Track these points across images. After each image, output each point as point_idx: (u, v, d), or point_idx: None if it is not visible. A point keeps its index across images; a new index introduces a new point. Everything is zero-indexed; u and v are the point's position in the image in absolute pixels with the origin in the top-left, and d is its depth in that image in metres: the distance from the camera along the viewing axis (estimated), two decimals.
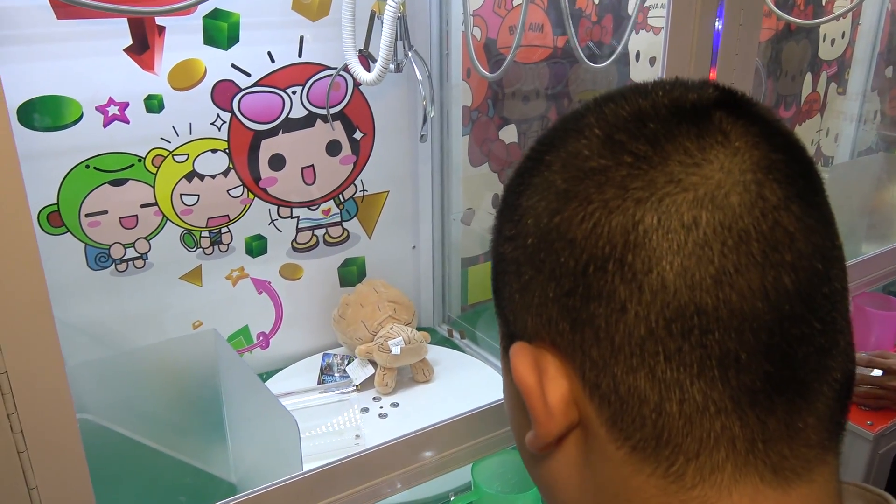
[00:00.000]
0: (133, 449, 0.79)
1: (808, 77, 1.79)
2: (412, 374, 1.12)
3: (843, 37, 1.82)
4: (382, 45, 0.93)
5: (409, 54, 1.02)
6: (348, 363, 1.12)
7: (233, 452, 0.85)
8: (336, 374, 1.13)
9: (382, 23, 0.93)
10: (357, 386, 1.09)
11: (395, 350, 1.06)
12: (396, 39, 0.98)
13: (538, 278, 0.34)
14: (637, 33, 1.34)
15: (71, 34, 0.88)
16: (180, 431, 0.83)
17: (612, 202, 0.32)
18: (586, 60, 1.16)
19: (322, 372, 1.14)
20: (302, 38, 1.04)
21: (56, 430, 0.50)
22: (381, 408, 1.07)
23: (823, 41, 1.79)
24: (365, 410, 1.07)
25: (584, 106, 0.36)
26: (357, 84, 1.11)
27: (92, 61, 0.90)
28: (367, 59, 1.02)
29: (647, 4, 1.31)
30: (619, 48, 1.24)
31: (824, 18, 1.68)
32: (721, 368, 0.31)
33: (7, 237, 0.44)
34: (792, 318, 0.31)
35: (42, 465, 0.50)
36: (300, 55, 1.05)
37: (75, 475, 0.52)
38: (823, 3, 1.73)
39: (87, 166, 0.94)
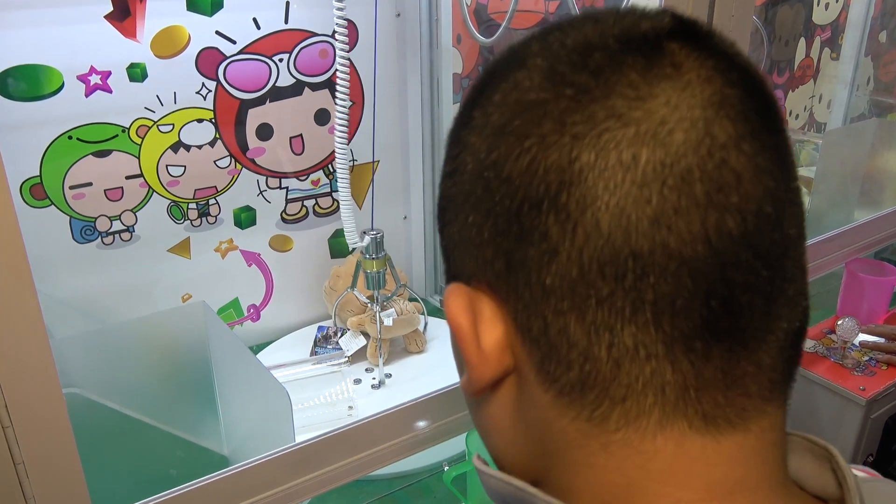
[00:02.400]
0: (122, 423, 0.78)
1: (802, 42, 1.77)
2: (405, 344, 1.12)
3: (836, 1, 1.80)
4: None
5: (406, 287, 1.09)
6: (341, 335, 1.11)
7: (224, 425, 0.84)
8: (329, 346, 1.13)
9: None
10: (349, 357, 1.08)
11: (388, 321, 1.05)
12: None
13: (475, 217, 0.32)
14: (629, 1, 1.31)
15: (51, 2, 0.86)
16: (170, 405, 0.82)
17: (548, 137, 0.29)
18: None
19: (315, 344, 1.13)
20: (288, 4, 1.02)
21: (42, 405, 0.49)
22: (374, 379, 1.06)
23: (818, 5, 1.76)
24: (358, 381, 1.06)
25: (530, 35, 0.34)
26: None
27: (71, 28, 0.88)
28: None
29: None
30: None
31: None
32: (654, 313, 0.29)
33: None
34: (735, 264, 0.29)
35: (28, 440, 0.49)
36: (286, 21, 1.03)
37: (63, 450, 0.51)
38: None
39: (70, 137, 0.92)
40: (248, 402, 0.76)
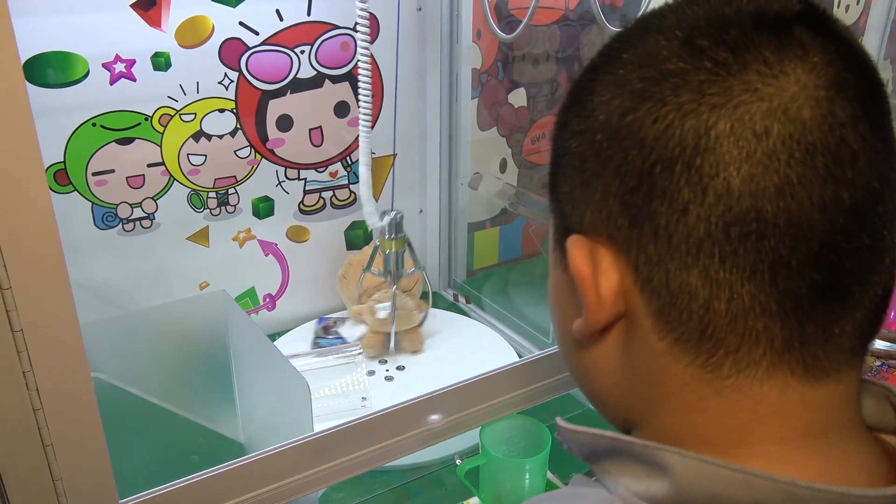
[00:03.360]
0: (142, 407, 0.79)
1: None
2: (398, 340, 1.11)
3: (857, 3, 1.79)
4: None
5: (421, 272, 1.09)
6: (343, 325, 1.13)
7: (241, 413, 0.86)
8: (329, 337, 1.13)
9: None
10: (360, 341, 1.09)
11: (381, 314, 1.05)
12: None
13: (603, 174, 0.35)
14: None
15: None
16: (189, 391, 0.83)
17: (686, 105, 0.32)
18: (608, 25, 1.13)
19: (316, 336, 1.13)
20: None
21: (71, 388, 0.50)
22: (388, 371, 1.07)
23: (838, 7, 1.76)
24: (371, 373, 1.07)
25: (665, 6, 0.36)
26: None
27: (98, 17, 0.89)
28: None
29: None
30: (641, 11, 1.22)
31: None
32: (771, 273, 0.32)
33: (22, 195, 0.44)
34: (844, 232, 0.32)
35: (57, 422, 0.50)
36: (309, 13, 1.03)
37: (90, 433, 0.52)
38: None
39: (94, 124, 0.93)
40: (266, 391, 0.77)
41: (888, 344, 1.07)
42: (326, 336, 1.14)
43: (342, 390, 1.04)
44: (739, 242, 0.32)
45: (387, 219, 1.02)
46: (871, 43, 1.85)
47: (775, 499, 0.32)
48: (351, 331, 1.11)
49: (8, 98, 0.42)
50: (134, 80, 0.94)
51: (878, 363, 1.04)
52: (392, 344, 1.08)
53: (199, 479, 0.60)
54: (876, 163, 0.33)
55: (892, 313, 1.12)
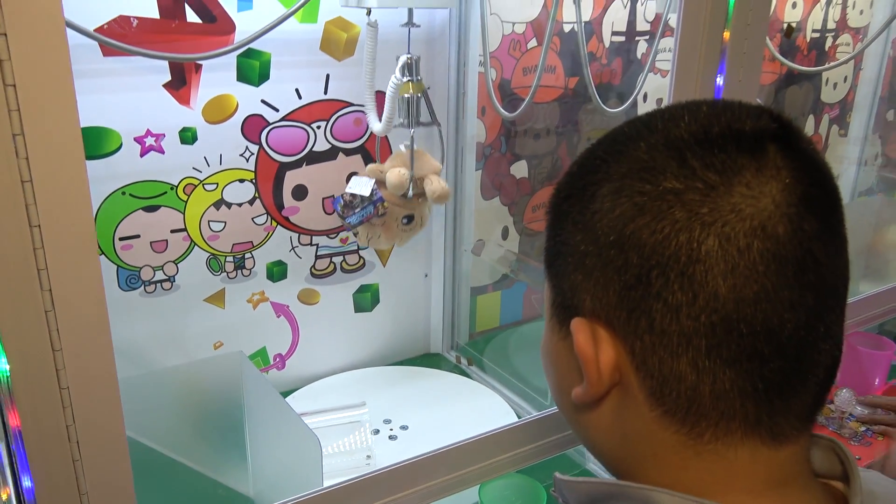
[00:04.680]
0: (159, 461, 0.84)
1: (811, 119, 1.85)
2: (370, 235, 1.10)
3: (845, 81, 1.88)
4: (384, 117, 1.00)
5: (437, 129, 1.10)
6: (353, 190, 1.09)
7: (252, 468, 0.90)
8: (357, 210, 1.08)
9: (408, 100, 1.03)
10: (356, 230, 1.09)
11: (364, 190, 1.06)
12: (412, 108, 1.05)
13: (604, 270, 0.41)
14: (647, 75, 1.39)
15: (115, 70, 0.95)
16: (203, 446, 0.88)
17: (680, 222, 0.38)
18: (602, 104, 1.21)
19: (343, 210, 1.09)
20: (328, 77, 1.11)
21: (107, 442, 0.55)
22: (392, 430, 1.12)
23: (826, 85, 1.84)
24: (376, 432, 1.11)
25: (653, 117, 0.43)
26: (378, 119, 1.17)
27: (133, 95, 0.97)
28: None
29: (657, 48, 1.37)
30: (636, 92, 1.30)
31: (827, 66, 1.74)
32: (748, 362, 0.38)
33: (77, 261, 0.50)
34: (807, 327, 0.39)
35: (93, 473, 0.55)
36: (326, 92, 1.11)
37: (121, 484, 0.57)
38: (826, 49, 1.79)
39: (123, 193, 1.00)
40: (278, 447, 0.81)
41: (870, 409, 1.11)
42: (353, 212, 1.09)
43: (348, 448, 1.08)
44: (723, 338, 0.38)
45: (402, 60, 1.01)
46: (860, 118, 1.94)
47: None
48: (361, 185, 1.08)
49: (72, 182, 0.48)
50: (162, 152, 1.01)
51: (862, 429, 1.08)
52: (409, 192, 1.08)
53: None
54: (833, 266, 0.40)
55: (876, 381, 1.17)
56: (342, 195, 1.08)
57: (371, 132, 1.01)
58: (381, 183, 1.08)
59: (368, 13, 0.98)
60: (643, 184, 0.40)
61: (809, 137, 0.41)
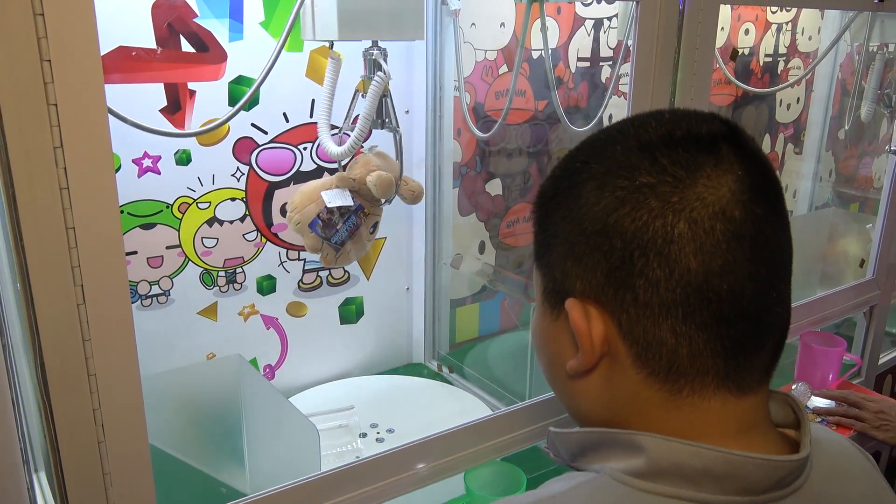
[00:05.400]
0: (160, 458, 0.89)
1: (767, 138, 1.96)
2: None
3: (797, 102, 2.00)
4: (360, 120, 0.95)
5: (396, 135, 1.03)
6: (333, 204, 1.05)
7: (249, 465, 0.95)
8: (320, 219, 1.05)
9: (364, 98, 0.97)
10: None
11: (332, 201, 1.03)
12: (381, 117, 1.00)
13: (592, 255, 0.48)
14: (610, 98, 1.49)
15: (115, 96, 1.01)
16: (202, 445, 0.93)
17: (655, 209, 0.45)
18: (570, 125, 1.30)
19: (324, 224, 1.06)
20: (313, 101, 1.18)
21: (129, 426, 0.61)
22: (378, 433, 1.18)
23: (780, 105, 1.96)
24: (363, 435, 1.17)
25: (624, 125, 0.51)
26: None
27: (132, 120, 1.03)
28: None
29: (619, 73, 1.47)
30: (600, 112, 1.39)
31: (779, 86, 1.86)
32: (717, 325, 0.46)
33: (105, 260, 0.56)
34: (763, 294, 0.47)
35: (115, 454, 0.61)
36: (311, 115, 1.19)
37: (142, 464, 0.63)
38: (779, 72, 1.90)
39: (122, 211, 1.06)
40: (276, 441, 0.87)
41: (827, 402, 1.19)
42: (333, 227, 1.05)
43: (337, 451, 1.13)
44: (696, 306, 0.45)
45: (374, 53, 0.96)
46: (813, 136, 2.06)
47: (718, 464, 0.46)
48: (335, 197, 1.04)
49: (103, 190, 0.55)
50: (159, 173, 1.07)
51: (818, 419, 1.16)
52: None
53: None
54: (782, 240, 0.48)
55: (830, 376, 1.25)
56: (318, 216, 1.04)
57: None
58: (353, 193, 1.07)
59: (331, 46, 0.96)
60: (622, 180, 0.47)
61: (753, 137, 0.50)
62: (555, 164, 0.54)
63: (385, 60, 0.97)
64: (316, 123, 1.19)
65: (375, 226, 1.12)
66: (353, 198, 1.06)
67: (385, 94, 0.98)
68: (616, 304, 0.47)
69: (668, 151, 0.47)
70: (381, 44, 0.98)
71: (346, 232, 1.07)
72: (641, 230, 0.46)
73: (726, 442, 0.47)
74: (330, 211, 1.04)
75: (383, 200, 1.10)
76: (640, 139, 0.48)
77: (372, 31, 0.94)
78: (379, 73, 0.96)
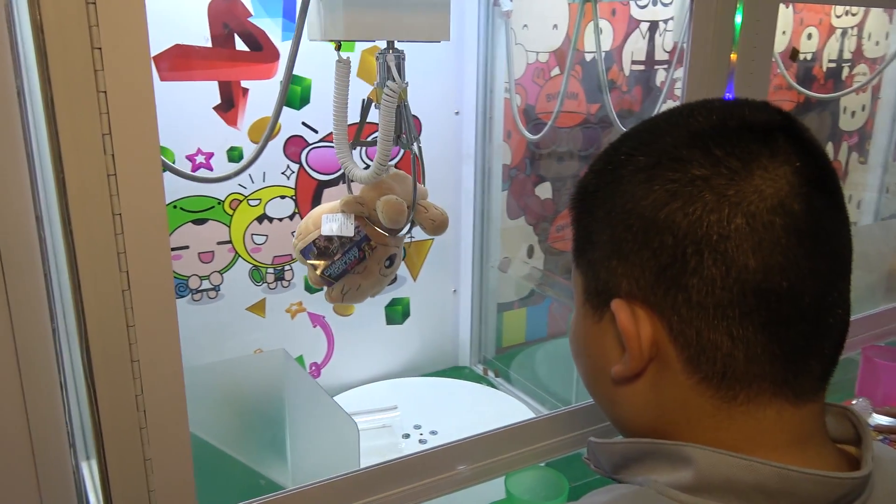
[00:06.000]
0: (203, 449, 0.90)
1: (830, 146, 1.89)
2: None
3: (863, 109, 1.93)
4: (379, 142, 0.85)
5: (414, 146, 0.89)
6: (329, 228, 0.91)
7: (292, 460, 0.96)
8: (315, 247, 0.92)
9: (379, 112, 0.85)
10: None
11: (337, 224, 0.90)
12: (398, 132, 0.88)
13: (640, 253, 0.45)
14: (665, 102, 1.46)
15: (170, 93, 1.03)
16: (245, 438, 0.94)
17: (710, 203, 0.42)
18: (623, 129, 1.28)
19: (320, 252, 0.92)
20: (363, 101, 1.18)
21: (170, 413, 0.62)
22: (422, 435, 1.17)
23: (844, 113, 1.89)
24: (406, 436, 1.17)
25: (669, 118, 0.48)
26: None
27: (187, 117, 1.05)
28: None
29: (674, 76, 1.44)
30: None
31: (843, 92, 1.79)
32: (776, 327, 0.43)
33: (151, 247, 0.57)
34: (824, 293, 0.44)
35: (157, 439, 0.62)
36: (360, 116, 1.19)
37: (181, 452, 0.63)
38: (843, 78, 1.84)
39: (175, 206, 1.08)
40: (318, 436, 0.87)
41: (891, 420, 1.14)
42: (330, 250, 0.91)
43: (379, 452, 1.13)
44: (754, 306, 0.42)
45: (389, 58, 0.84)
46: (879, 145, 1.98)
47: (772, 480, 0.42)
48: (332, 224, 0.90)
49: (149, 177, 0.56)
50: (211, 169, 1.09)
51: (880, 437, 1.11)
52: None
53: (263, 500, 0.70)
54: (843, 236, 0.45)
55: (893, 393, 1.20)
56: (313, 242, 0.89)
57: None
58: (360, 219, 0.91)
59: (338, 48, 0.85)
60: (673, 172, 0.44)
61: (808, 128, 0.47)
62: (594, 158, 0.52)
63: (401, 65, 0.85)
64: (367, 123, 1.19)
65: (392, 259, 0.94)
66: (358, 227, 0.90)
67: (401, 104, 0.86)
68: (666, 305, 0.44)
69: (722, 142, 0.44)
70: (400, 45, 0.85)
71: (341, 268, 0.90)
72: (695, 226, 0.43)
73: (780, 455, 0.44)
74: (328, 238, 0.89)
75: (404, 230, 0.94)
76: (690, 129, 0.45)
77: (386, 31, 0.82)
78: (390, 81, 0.84)
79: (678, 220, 0.43)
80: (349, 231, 0.89)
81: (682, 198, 0.43)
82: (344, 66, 0.85)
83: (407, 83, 0.86)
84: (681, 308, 0.44)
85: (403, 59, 0.86)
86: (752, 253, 0.42)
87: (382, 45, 0.87)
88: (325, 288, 0.93)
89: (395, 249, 0.94)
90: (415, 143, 0.89)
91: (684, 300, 0.44)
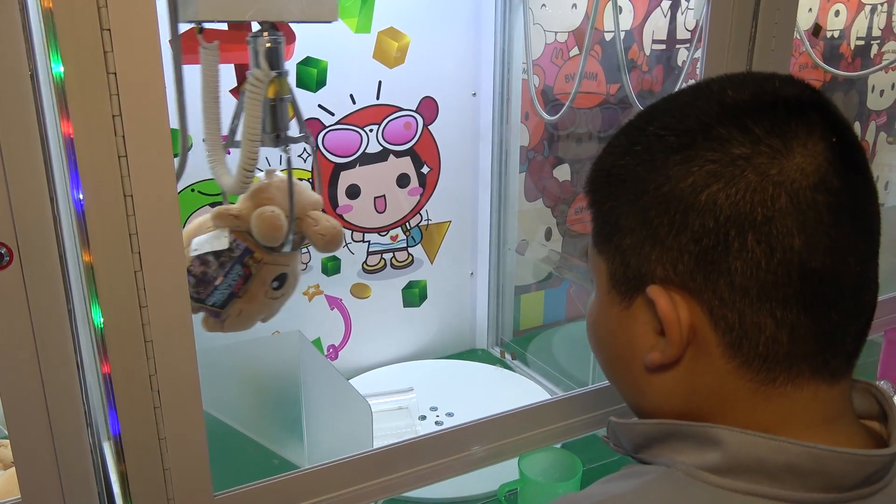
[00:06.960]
0: (220, 429, 0.91)
1: (857, 126, 1.85)
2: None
3: (892, 88, 1.88)
4: (243, 142, 0.74)
5: (307, 146, 0.72)
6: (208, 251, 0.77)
7: (308, 440, 0.96)
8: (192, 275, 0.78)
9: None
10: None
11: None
12: (274, 130, 0.75)
13: (679, 237, 0.44)
14: (686, 83, 1.44)
15: (186, 76, 1.03)
16: (262, 418, 0.95)
17: (753, 183, 0.41)
18: (641, 108, 1.26)
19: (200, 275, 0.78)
20: (380, 83, 1.18)
21: (184, 392, 0.63)
22: (438, 416, 1.17)
23: (872, 92, 1.85)
24: (423, 418, 1.17)
25: (697, 92, 0.46)
26: (427, 123, 1.24)
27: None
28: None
29: (695, 56, 1.42)
30: None
31: (870, 69, 1.75)
32: (820, 307, 0.43)
33: (162, 228, 0.57)
34: (862, 271, 0.43)
35: (171, 418, 0.62)
36: (378, 97, 1.19)
37: (195, 430, 0.64)
38: (872, 56, 1.80)
39: (193, 189, 1.09)
40: (333, 417, 0.88)
41: None
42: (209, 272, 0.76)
43: (396, 433, 1.14)
44: (799, 286, 0.42)
45: (261, 42, 0.71)
46: None
47: (802, 459, 0.42)
48: (205, 243, 0.78)
49: (159, 157, 0.56)
50: (228, 153, 1.09)
51: None
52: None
53: (279, 479, 0.71)
54: (873, 214, 0.45)
55: None
56: (188, 270, 0.73)
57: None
58: (239, 234, 0.77)
59: (199, 31, 0.74)
60: (712, 152, 0.43)
61: (836, 105, 0.46)
62: (612, 138, 0.50)
63: (278, 51, 0.72)
64: (383, 105, 1.19)
65: (281, 279, 0.80)
66: (235, 239, 0.75)
67: (276, 99, 0.74)
68: (707, 289, 0.43)
69: (760, 118, 0.42)
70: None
71: (226, 292, 0.76)
72: (738, 207, 0.41)
73: (811, 434, 0.44)
74: (203, 261, 0.74)
75: (287, 247, 0.79)
76: (724, 105, 0.44)
77: (253, 10, 0.68)
78: (255, 69, 0.72)
79: (720, 201, 0.42)
80: (223, 243, 0.74)
81: (723, 179, 0.42)
82: (210, 53, 0.72)
83: (286, 72, 0.74)
84: (723, 292, 0.43)
85: (278, 42, 0.72)
86: (797, 233, 0.41)
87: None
88: (204, 315, 0.78)
89: (285, 268, 0.79)
90: (303, 144, 0.73)
91: (726, 284, 0.43)
